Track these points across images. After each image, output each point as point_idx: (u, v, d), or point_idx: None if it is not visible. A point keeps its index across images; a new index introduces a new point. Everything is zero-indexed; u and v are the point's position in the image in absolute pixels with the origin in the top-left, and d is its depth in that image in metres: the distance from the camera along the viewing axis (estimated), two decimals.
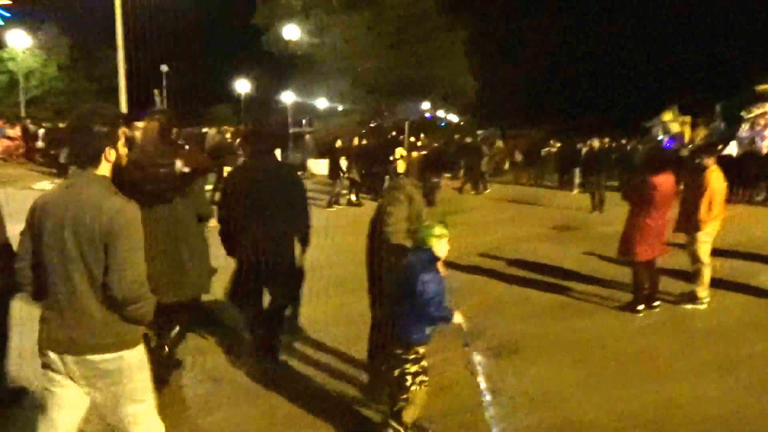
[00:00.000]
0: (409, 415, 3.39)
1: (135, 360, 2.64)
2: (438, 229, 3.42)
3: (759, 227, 12.73)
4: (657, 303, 6.34)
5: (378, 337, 3.98)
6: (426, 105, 38.56)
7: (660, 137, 38.53)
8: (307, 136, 30.14)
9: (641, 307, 6.11)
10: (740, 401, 4.52)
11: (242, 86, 48.52)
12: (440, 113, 43.72)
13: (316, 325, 5.76)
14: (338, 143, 18.03)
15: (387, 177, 16.98)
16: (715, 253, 6.37)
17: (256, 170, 4.60)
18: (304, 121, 39.56)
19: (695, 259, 6.43)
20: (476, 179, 21.75)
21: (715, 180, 6.16)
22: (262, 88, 48.14)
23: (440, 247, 3.41)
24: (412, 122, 27.56)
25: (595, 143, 20.27)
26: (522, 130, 37.91)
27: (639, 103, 45.18)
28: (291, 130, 32.70)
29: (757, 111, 33.53)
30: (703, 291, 6.45)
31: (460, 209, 13.22)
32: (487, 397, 4.19)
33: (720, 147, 20.21)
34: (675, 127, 42.64)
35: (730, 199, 16.86)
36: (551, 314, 6.54)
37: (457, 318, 3.52)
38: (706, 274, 6.46)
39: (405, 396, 3.38)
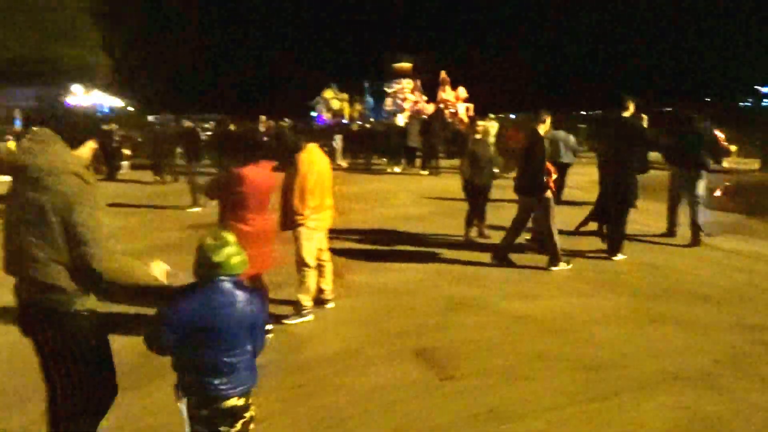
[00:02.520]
0: None
1: None
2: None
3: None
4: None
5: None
6: (77, 88, 32.36)
7: (320, 114, 40.55)
8: None
9: None
10: None
11: None
12: (100, 98, 37.40)
13: None
14: None
15: None
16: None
17: None
18: None
19: (298, 261, 4.92)
20: None
21: (306, 163, 4.79)
22: None
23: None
24: (29, 109, 22.24)
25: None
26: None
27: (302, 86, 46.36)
28: None
29: (396, 86, 37.93)
30: (306, 299, 4.95)
31: None
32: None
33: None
34: (336, 104, 45.51)
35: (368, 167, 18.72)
36: None
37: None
38: (309, 279, 4.98)
39: None
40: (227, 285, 2.30)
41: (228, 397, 2.31)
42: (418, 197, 12.36)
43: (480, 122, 8.38)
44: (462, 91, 31.68)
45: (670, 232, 8.31)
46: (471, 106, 31.26)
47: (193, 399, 2.32)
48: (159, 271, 2.66)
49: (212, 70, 50.12)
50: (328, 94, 45.45)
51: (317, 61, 54.40)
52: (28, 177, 2.36)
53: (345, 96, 45.81)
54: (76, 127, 2.57)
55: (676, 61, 44.64)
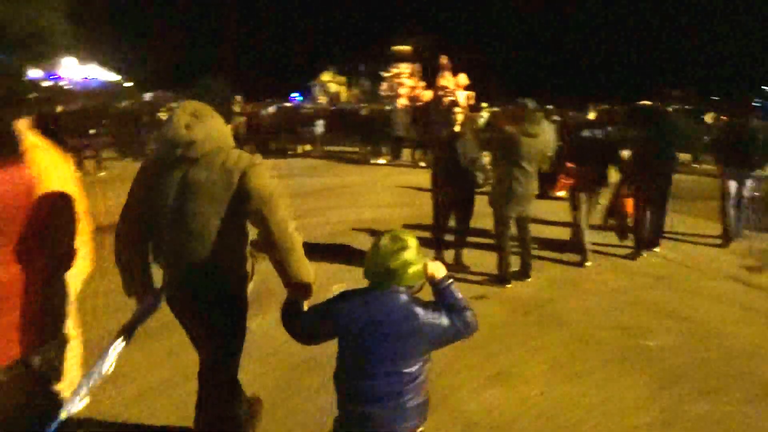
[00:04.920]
0: None
1: None
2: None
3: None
4: None
5: None
6: (70, 60, 30.44)
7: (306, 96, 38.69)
8: None
9: None
10: None
11: None
12: (95, 72, 35.41)
13: None
14: None
15: None
16: None
17: None
18: None
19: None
20: None
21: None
22: None
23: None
24: None
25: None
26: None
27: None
28: None
29: (394, 71, 35.89)
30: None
31: None
32: None
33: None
34: (333, 88, 43.63)
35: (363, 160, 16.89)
36: None
37: None
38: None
39: None
40: (403, 297, 1.90)
41: None
42: (397, 195, 10.49)
43: (458, 110, 6.16)
44: (463, 78, 29.70)
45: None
46: (472, 94, 29.32)
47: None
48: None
49: (207, 49, 48.24)
50: (326, 77, 43.55)
51: (314, 43, 52.50)
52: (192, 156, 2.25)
53: (343, 79, 43.91)
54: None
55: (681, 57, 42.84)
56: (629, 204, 6.29)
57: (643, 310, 4.87)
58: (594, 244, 6.25)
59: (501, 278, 5.36)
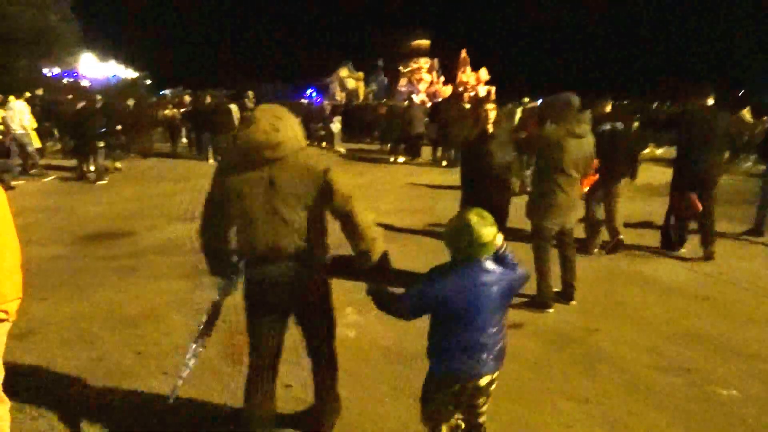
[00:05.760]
0: None
1: None
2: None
3: None
4: None
5: None
6: (89, 57, 30.46)
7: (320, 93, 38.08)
8: None
9: None
10: None
11: None
12: (114, 69, 35.41)
13: None
14: None
15: None
16: None
17: None
18: None
19: None
20: None
21: None
22: None
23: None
24: None
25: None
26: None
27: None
28: None
29: (413, 65, 35.15)
30: None
31: None
32: None
33: None
34: (351, 84, 42.99)
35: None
36: None
37: None
38: None
39: None
40: (490, 264, 2.28)
41: (481, 376, 2.31)
42: (413, 200, 9.81)
43: (490, 106, 4.65)
44: (483, 73, 28.84)
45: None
46: (493, 89, 28.44)
47: (444, 374, 2.32)
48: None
49: (224, 44, 47.91)
50: (344, 72, 42.91)
51: (332, 38, 51.98)
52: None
53: (360, 75, 43.19)
54: None
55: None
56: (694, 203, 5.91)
57: (697, 343, 4.15)
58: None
59: (541, 302, 4.67)
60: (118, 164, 13.35)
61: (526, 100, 15.26)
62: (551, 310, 4.64)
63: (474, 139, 4.99)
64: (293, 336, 2.86)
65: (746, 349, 4.05)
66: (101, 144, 11.84)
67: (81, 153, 12.26)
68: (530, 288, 4.88)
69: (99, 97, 14.58)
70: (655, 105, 20.92)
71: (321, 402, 2.90)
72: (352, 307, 4.47)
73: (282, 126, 2.46)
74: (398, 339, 3.98)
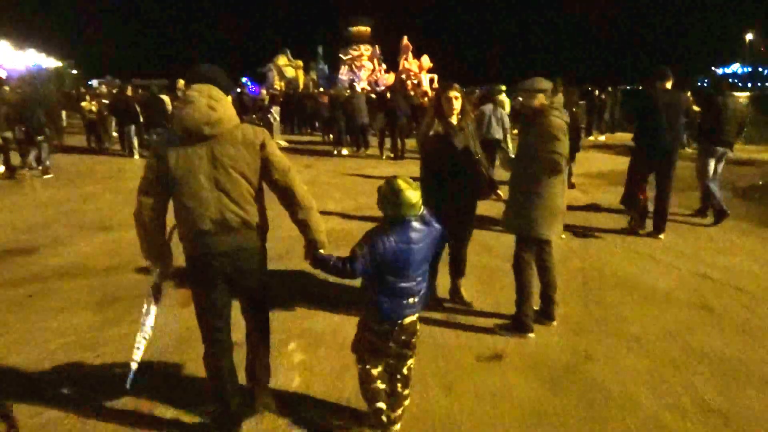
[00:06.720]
0: None
1: None
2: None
3: None
4: None
5: None
6: (3, 44, 28.03)
7: (255, 83, 36.55)
8: None
9: None
10: None
11: None
12: (34, 57, 32.55)
13: None
14: None
15: None
16: None
17: None
18: None
19: None
20: None
21: None
22: None
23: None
24: None
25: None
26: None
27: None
28: None
29: (354, 53, 34.18)
30: None
31: None
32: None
33: None
34: (290, 72, 41.56)
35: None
36: None
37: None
38: None
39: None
40: (418, 223, 2.61)
41: (406, 316, 2.68)
42: (359, 195, 9.02)
43: (454, 93, 4.06)
44: (426, 60, 28.27)
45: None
46: (436, 76, 27.91)
47: (379, 317, 2.65)
48: None
49: (156, 32, 45.43)
50: (282, 60, 41.38)
51: (269, 25, 50.25)
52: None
53: (299, 63, 41.80)
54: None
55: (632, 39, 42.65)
56: None
57: (716, 370, 3.56)
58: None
59: (519, 324, 3.99)
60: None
61: (503, 87, 14.07)
62: (532, 335, 3.97)
63: (437, 133, 4.21)
64: None
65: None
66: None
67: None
68: (504, 307, 4.23)
69: (7, 88, 13.01)
70: (598, 92, 20.82)
71: (254, 359, 3.04)
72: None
73: (218, 105, 2.56)
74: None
